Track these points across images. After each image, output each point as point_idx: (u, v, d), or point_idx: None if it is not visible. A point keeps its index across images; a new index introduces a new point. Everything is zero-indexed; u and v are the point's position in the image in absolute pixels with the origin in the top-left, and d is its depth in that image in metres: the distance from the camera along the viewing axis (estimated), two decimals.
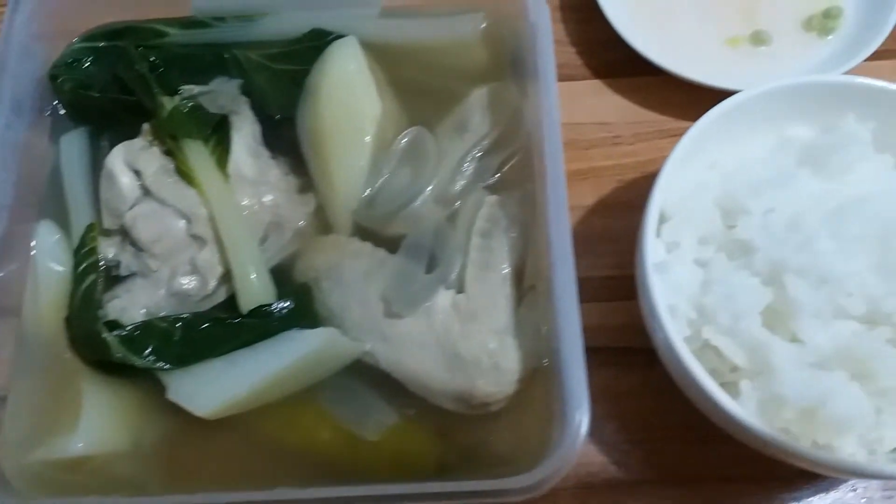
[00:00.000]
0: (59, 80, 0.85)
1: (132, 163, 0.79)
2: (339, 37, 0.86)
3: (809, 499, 0.80)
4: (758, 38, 1.00)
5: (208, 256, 0.77)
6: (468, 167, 0.82)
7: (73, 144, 0.84)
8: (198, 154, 0.78)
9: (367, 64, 0.84)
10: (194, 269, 0.77)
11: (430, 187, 0.81)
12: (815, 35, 1.00)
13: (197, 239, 0.77)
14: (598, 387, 0.83)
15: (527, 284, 0.77)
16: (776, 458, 0.69)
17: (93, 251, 0.78)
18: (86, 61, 0.87)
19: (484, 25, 0.87)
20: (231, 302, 0.77)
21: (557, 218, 0.70)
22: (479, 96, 0.85)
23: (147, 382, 0.75)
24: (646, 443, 0.83)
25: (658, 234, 0.75)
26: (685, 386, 0.70)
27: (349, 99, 0.82)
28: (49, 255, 0.79)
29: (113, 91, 0.85)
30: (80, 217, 0.81)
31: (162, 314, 0.76)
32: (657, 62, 0.94)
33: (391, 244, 0.79)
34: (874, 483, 0.80)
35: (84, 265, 0.78)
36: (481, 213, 0.80)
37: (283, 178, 0.82)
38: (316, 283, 0.78)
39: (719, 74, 0.93)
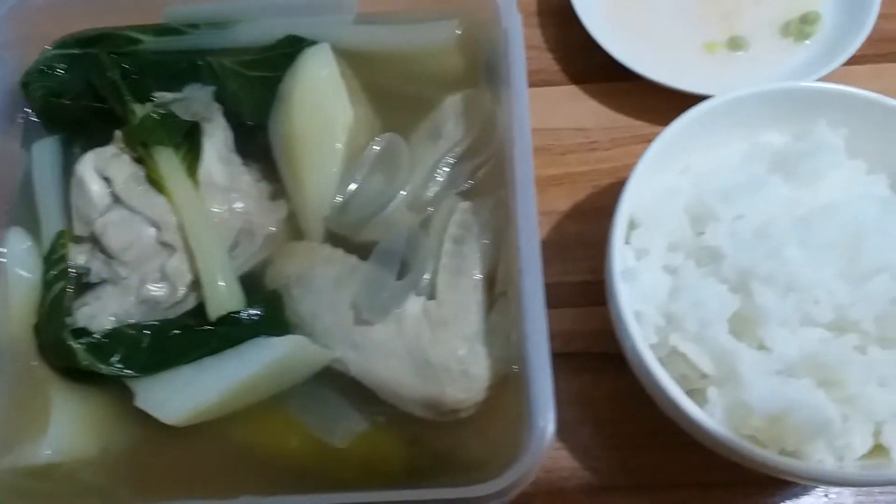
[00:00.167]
0: (30, 88, 0.85)
1: (103, 170, 0.79)
2: (313, 43, 0.86)
3: None
4: (735, 44, 1.00)
5: (177, 264, 0.76)
6: (441, 173, 0.82)
7: (46, 152, 0.84)
8: (168, 161, 0.78)
9: (339, 70, 0.84)
10: (164, 277, 0.77)
11: (403, 193, 0.81)
12: (793, 40, 1.00)
13: (166, 246, 0.77)
14: (571, 392, 0.85)
15: (498, 290, 0.77)
16: (744, 465, 0.69)
17: (63, 258, 0.78)
18: (59, 68, 0.86)
19: (458, 32, 0.87)
20: (201, 309, 0.76)
21: (526, 223, 0.70)
22: (452, 103, 0.85)
23: (116, 390, 0.74)
24: (619, 448, 0.82)
25: (628, 241, 0.75)
26: (652, 392, 0.70)
27: (321, 105, 0.82)
28: (19, 262, 0.79)
29: (86, 98, 0.85)
30: (51, 224, 0.80)
31: (131, 321, 0.76)
32: (633, 68, 0.94)
33: (364, 250, 0.79)
34: (846, 489, 0.80)
35: (53, 272, 0.77)
36: (454, 219, 0.79)
37: (255, 184, 0.82)
38: (287, 290, 0.78)
39: (696, 80, 0.94)
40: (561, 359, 0.84)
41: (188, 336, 0.75)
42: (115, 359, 0.73)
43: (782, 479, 0.74)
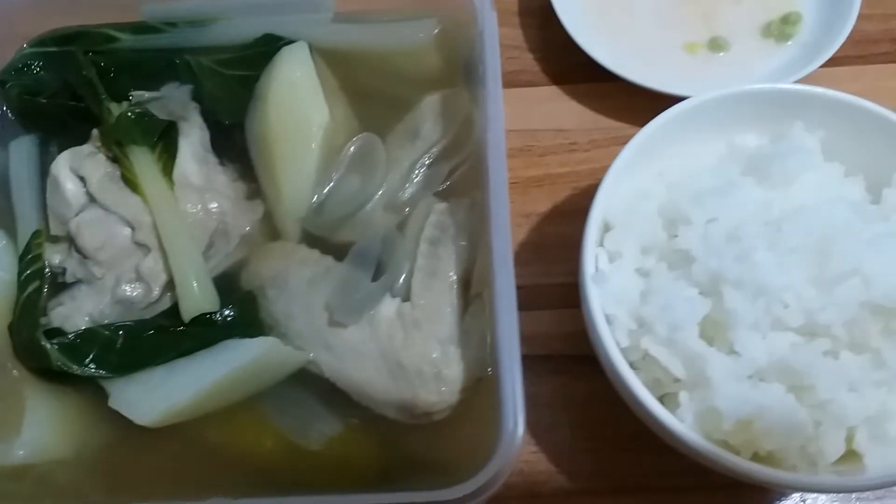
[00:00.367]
0: (7, 86, 0.85)
1: (78, 169, 0.79)
2: (291, 42, 0.85)
3: None
4: (716, 45, 1.00)
5: (152, 264, 0.76)
6: (418, 174, 0.82)
7: (22, 150, 0.84)
8: (143, 161, 0.78)
9: (317, 70, 0.84)
10: (139, 277, 0.76)
11: (379, 194, 0.81)
12: (774, 41, 1.00)
13: (141, 246, 0.77)
14: (548, 394, 0.84)
15: (473, 292, 0.77)
16: (717, 471, 0.69)
17: (38, 258, 0.78)
18: (36, 66, 0.86)
19: (436, 32, 0.87)
20: (176, 309, 0.76)
21: (498, 225, 0.70)
22: (430, 103, 0.85)
23: (91, 390, 0.74)
24: (596, 451, 0.82)
25: (602, 243, 0.74)
26: (623, 396, 0.70)
27: (296, 105, 0.82)
28: None
29: (64, 97, 0.85)
30: (28, 223, 0.80)
31: (106, 321, 0.76)
32: (613, 69, 0.94)
33: (340, 251, 0.79)
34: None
35: (28, 272, 0.77)
36: (430, 220, 0.79)
37: (231, 184, 0.82)
38: (261, 291, 0.78)
39: (677, 81, 0.93)
40: (538, 361, 0.85)
41: (162, 337, 0.75)
42: (88, 359, 0.73)
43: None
